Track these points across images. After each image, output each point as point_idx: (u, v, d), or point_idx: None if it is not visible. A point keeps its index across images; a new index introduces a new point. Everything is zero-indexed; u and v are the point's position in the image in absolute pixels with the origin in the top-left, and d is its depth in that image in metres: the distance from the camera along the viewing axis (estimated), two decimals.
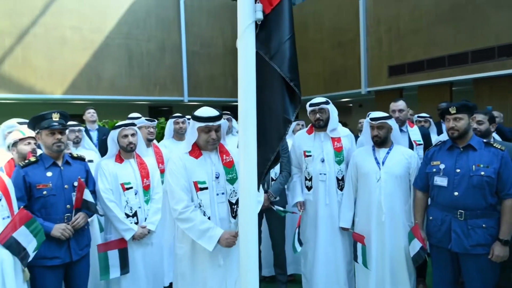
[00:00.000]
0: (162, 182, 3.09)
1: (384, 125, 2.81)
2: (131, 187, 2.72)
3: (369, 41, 8.98)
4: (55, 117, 2.36)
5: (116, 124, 2.83)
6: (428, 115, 4.48)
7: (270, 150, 1.53)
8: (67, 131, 3.32)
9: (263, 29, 1.50)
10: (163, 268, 3.15)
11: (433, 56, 7.51)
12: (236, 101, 1.50)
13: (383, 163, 2.80)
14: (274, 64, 1.49)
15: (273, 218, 3.29)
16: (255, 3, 1.46)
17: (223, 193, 2.30)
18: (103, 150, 3.40)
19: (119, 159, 2.79)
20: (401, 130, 3.47)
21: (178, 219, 2.21)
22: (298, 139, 3.29)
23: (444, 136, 3.15)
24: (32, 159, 2.39)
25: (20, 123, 2.88)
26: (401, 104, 3.48)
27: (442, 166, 2.51)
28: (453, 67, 7.13)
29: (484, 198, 2.35)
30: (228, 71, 10.99)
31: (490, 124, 2.97)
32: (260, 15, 1.46)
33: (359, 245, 2.84)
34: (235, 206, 2.27)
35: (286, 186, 3.35)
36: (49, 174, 2.35)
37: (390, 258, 2.77)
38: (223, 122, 2.34)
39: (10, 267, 1.98)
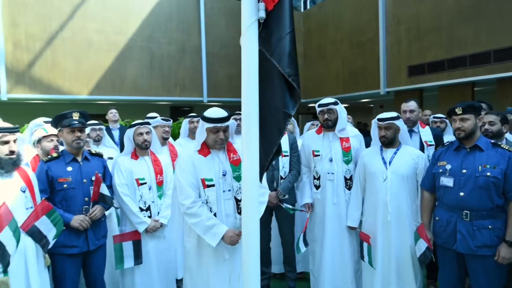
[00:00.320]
0: None
1: (391, 126, 2.82)
2: (145, 183, 2.87)
3: (389, 41, 8.87)
4: (75, 116, 2.54)
5: (132, 123, 2.99)
6: (444, 116, 4.42)
7: (271, 144, 1.57)
8: (87, 129, 3.55)
9: (265, 27, 1.53)
10: (176, 261, 3.30)
11: (454, 56, 7.34)
12: None
13: (390, 163, 2.82)
14: (274, 60, 1.52)
15: (282, 216, 3.36)
16: (258, 2, 1.50)
17: (229, 190, 2.39)
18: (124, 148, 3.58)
19: (135, 156, 2.94)
20: (412, 131, 3.48)
21: (186, 213, 2.32)
22: (307, 139, 3.35)
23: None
24: (54, 154, 2.57)
25: (46, 122, 3.09)
26: (412, 104, 3.48)
27: (448, 167, 2.51)
28: (475, 67, 6.95)
29: (490, 199, 2.34)
30: None
31: (502, 125, 2.93)
32: (262, 14, 1.50)
33: (365, 244, 2.87)
34: (241, 203, 2.36)
35: (295, 185, 3.41)
36: (69, 169, 2.53)
37: (396, 257, 2.78)
38: (231, 122, 2.44)
39: (33, 253, 2.17)
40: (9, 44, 8.12)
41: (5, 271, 2.00)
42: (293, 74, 1.52)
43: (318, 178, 3.18)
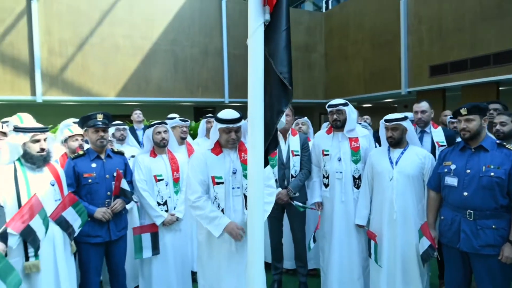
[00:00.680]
0: None
1: (398, 127, 2.88)
2: (163, 179, 3.08)
3: (410, 40, 8.74)
4: (99, 117, 2.78)
5: (151, 123, 3.21)
6: None
7: (273, 120, 1.69)
8: (112, 129, 3.81)
9: (267, 29, 1.64)
10: (192, 253, 3.49)
11: (477, 55, 7.17)
12: None
13: (396, 162, 2.88)
14: (270, 58, 1.64)
15: (294, 214, 3.46)
16: (264, 5, 1.60)
17: (238, 187, 2.53)
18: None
19: (153, 154, 3.16)
20: (424, 131, 3.51)
21: (192, 206, 2.50)
22: (317, 139, 3.45)
23: None
24: (81, 152, 2.83)
25: (75, 122, 3.38)
26: (423, 105, 3.50)
27: (453, 167, 2.54)
28: (499, 66, 6.76)
29: (494, 199, 2.35)
30: None
31: None
32: (268, 17, 1.61)
33: (372, 242, 2.94)
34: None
35: (306, 184, 3.52)
36: (93, 165, 2.78)
37: (401, 256, 2.83)
38: (243, 123, 2.58)
39: (61, 240, 2.41)
40: (45, 50, 8.69)
41: (36, 255, 2.25)
42: (284, 71, 1.62)
43: (327, 177, 3.28)
